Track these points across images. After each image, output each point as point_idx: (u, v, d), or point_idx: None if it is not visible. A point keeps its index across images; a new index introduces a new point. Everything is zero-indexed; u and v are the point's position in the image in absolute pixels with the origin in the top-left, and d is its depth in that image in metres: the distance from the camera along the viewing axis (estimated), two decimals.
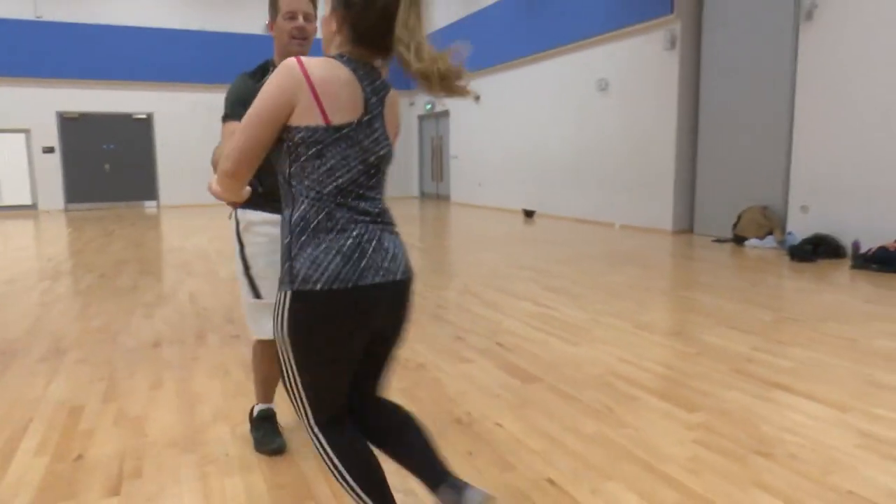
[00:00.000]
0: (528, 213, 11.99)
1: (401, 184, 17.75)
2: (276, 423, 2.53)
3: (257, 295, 2.32)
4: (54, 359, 3.63)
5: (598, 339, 3.91)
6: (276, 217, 2.24)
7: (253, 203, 2.23)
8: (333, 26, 1.54)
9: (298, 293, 1.44)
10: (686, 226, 9.12)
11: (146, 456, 2.41)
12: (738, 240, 7.83)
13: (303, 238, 1.47)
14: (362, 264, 1.46)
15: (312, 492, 2.14)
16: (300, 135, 1.45)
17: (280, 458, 2.39)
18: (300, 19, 2.20)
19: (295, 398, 1.57)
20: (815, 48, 7.06)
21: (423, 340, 3.90)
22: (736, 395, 2.94)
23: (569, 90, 11.16)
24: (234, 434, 2.59)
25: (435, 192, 17.34)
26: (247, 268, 2.33)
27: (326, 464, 1.58)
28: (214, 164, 2.00)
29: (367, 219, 1.52)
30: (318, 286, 1.42)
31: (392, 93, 1.60)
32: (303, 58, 1.48)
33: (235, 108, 2.11)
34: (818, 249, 6.68)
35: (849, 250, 6.57)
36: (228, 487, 2.18)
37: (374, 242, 1.50)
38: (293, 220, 1.50)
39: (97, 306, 4.94)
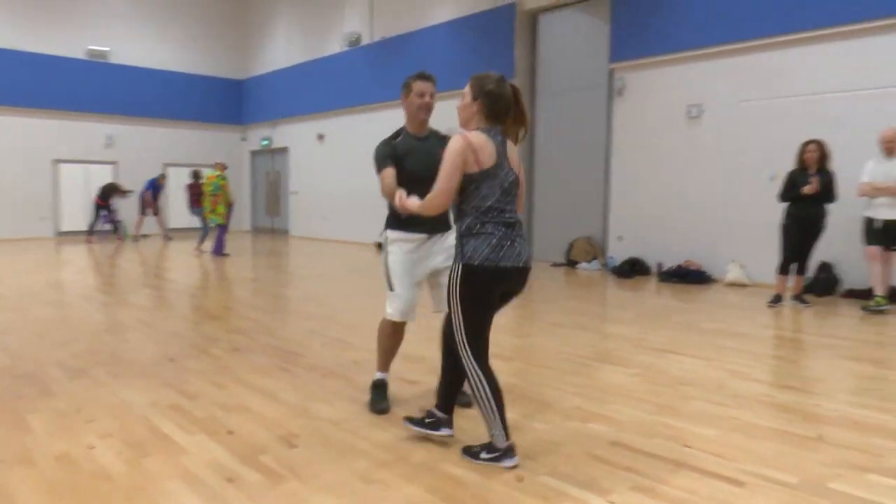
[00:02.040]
0: (380, 246, 13.09)
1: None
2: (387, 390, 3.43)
3: (391, 288, 3.25)
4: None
5: (535, 333, 5.21)
6: (411, 235, 3.27)
7: (396, 225, 3.21)
8: (475, 109, 2.65)
9: (466, 265, 2.56)
10: None
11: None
12: (571, 263, 9.79)
13: (468, 237, 2.59)
14: (501, 254, 2.56)
15: None
16: (467, 177, 2.57)
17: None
18: (427, 97, 3.26)
19: (459, 336, 2.63)
20: (624, 117, 9.31)
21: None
22: (646, 358, 4.41)
23: None
24: None
25: (269, 227, 17.62)
26: (387, 268, 3.28)
27: (475, 384, 2.61)
28: (389, 194, 2.99)
29: (505, 226, 2.62)
30: (476, 262, 2.55)
31: (508, 142, 2.70)
32: (466, 133, 2.57)
33: (386, 161, 3.15)
34: (634, 268, 8.80)
35: (654, 269, 8.77)
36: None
37: (509, 241, 2.60)
38: (463, 227, 2.63)
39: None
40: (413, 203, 2.72)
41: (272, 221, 17.54)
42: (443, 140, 3.40)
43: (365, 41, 13.91)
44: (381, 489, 2.45)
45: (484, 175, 2.56)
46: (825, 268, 7.20)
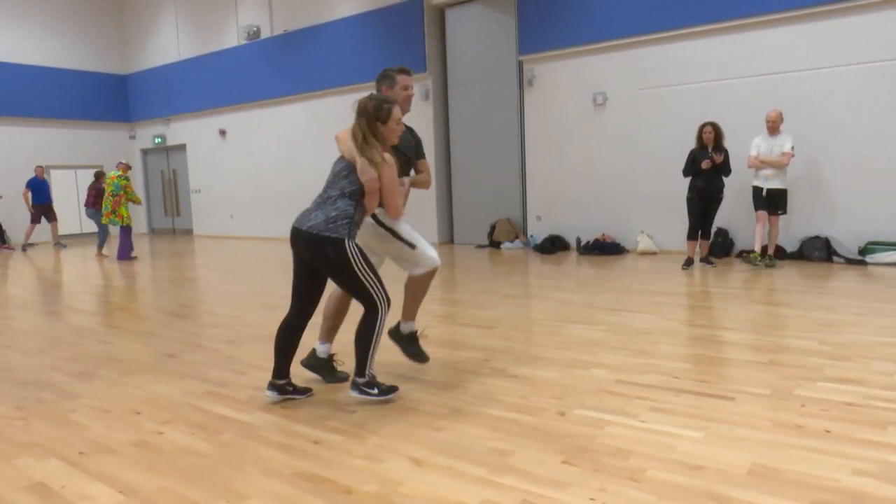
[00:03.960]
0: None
1: None
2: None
3: (412, 246, 3.56)
4: None
5: (496, 305, 5.74)
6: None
7: None
8: None
9: None
10: (448, 238, 11.52)
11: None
12: (495, 244, 10.45)
13: None
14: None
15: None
16: None
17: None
18: (411, 90, 3.62)
19: None
20: (534, 105, 10.05)
21: None
22: (604, 317, 5.08)
23: (327, 130, 12.70)
24: None
25: (171, 227, 16.94)
26: (398, 236, 3.56)
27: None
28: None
29: None
30: None
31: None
32: None
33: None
34: (555, 245, 9.60)
35: (574, 244, 9.62)
36: None
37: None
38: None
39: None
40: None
41: (173, 222, 16.86)
42: (407, 130, 3.70)
43: (265, 34, 13.75)
44: (451, 433, 2.86)
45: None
46: (721, 233, 8.32)
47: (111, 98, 16.65)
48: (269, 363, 4.10)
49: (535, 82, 9.98)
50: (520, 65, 10.16)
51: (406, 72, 3.63)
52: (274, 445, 2.82)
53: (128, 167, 10.98)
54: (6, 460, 2.77)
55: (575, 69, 9.59)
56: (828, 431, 2.72)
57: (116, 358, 4.42)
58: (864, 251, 7.36)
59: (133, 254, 10.97)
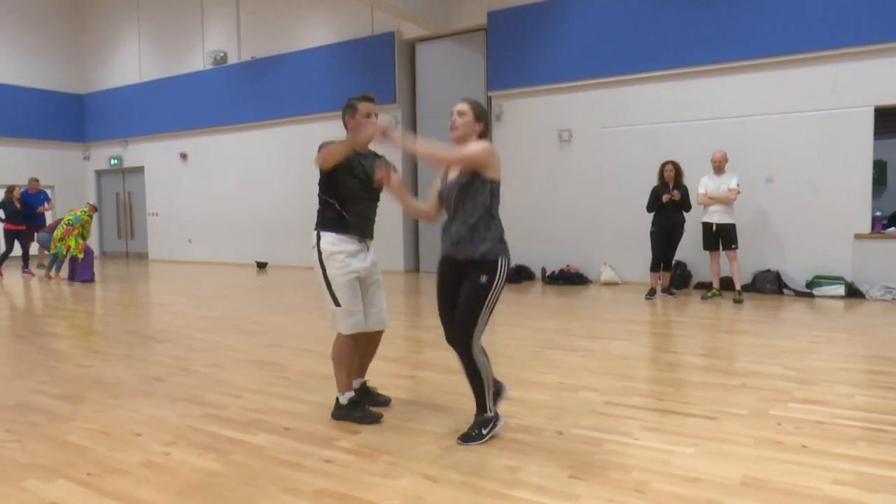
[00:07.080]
0: (261, 265, 13.01)
1: None
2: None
3: (337, 303, 3.32)
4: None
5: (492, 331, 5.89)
6: (351, 240, 3.37)
7: (335, 227, 3.36)
8: (477, 129, 3.17)
9: (507, 264, 3.08)
10: (413, 266, 11.65)
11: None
12: None
13: (503, 241, 3.10)
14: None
15: None
16: (495, 184, 3.09)
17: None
18: (374, 117, 3.44)
19: (477, 331, 3.02)
20: (503, 139, 10.37)
21: None
22: (582, 343, 5.30)
23: (293, 157, 12.78)
24: None
25: (124, 251, 16.50)
26: (328, 285, 3.31)
27: (485, 369, 3.08)
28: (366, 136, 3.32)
29: None
30: (509, 260, 3.12)
31: None
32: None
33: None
34: (521, 274, 9.86)
35: (538, 273, 9.90)
36: None
37: None
38: (499, 232, 3.07)
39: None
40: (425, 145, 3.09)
41: (126, 245, 16.44)
42: (379, 157, 3.55)
43: (232, 60, 13.77)
44: (459, 452, 2.99)
45: (498, 185, 3.08)
46: (680, 265, 8.74)
47: (65, 117, 16.25)
48: (261, 387, 4.17)
49: (504, 117, 10.33)
50: (489, 100, 10.51)
51: (369, 98, 3.46)
52: (288, 465, 2.88)
53: (95, 209, 11.15)
54: (12, 482, 2.74)
55: (542, 106, 10.00)
56: (804, 446, 2.97)
57: (101, 381, 4.37)
58: (811, 284, 7.87)
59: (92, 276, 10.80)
